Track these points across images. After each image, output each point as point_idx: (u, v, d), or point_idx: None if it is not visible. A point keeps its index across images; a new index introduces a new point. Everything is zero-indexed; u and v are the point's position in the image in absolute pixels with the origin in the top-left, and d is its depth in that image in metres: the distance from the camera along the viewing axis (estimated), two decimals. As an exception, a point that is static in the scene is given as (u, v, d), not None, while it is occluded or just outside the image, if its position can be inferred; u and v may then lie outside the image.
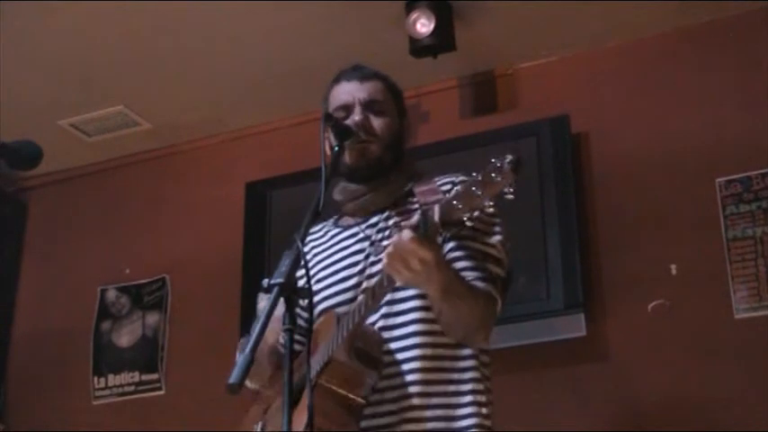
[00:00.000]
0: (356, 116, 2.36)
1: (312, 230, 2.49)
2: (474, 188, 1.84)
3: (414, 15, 3.88)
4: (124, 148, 4.95)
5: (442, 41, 3.91)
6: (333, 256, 2.39)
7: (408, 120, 2.51)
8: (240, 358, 1.75)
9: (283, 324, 1.85)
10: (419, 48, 3.94)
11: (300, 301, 2.02)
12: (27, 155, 2.27)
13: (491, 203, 1.84)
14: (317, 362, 2.16)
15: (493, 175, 1.80)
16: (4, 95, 4.26)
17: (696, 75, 4.00)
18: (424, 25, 3.87)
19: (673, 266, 3.78)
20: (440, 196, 2.20)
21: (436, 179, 2.35)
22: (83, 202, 5.10)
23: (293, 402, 2.10)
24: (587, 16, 4.00)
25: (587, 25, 4.08)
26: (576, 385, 3.77)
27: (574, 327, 3.79)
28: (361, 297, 2.19)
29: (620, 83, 4.14)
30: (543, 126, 4.05)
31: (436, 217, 1.92)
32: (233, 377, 1.73)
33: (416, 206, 2.28)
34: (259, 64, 4.29)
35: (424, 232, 1.95)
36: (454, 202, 1.89)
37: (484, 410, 2.23)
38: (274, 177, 4.52)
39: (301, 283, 2.00)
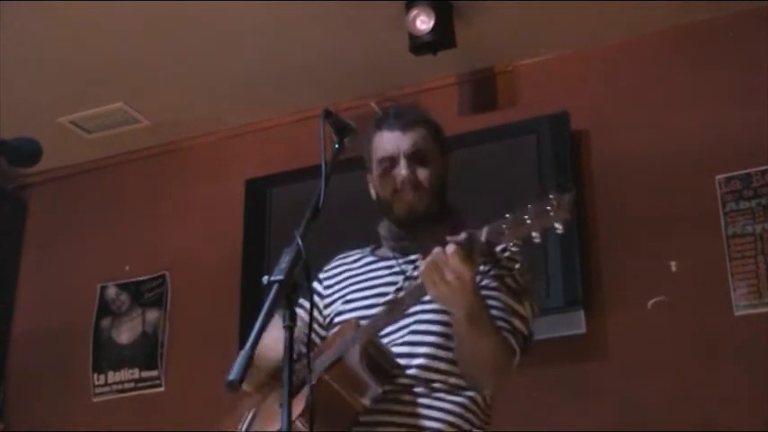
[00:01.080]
0: (402, 170, 2.36)
1: (346, 255, 2.54)
2: (525, 216, 1.86)
3: (413, 12, 3.88)
4: (124, 145, 4.95)
5: (441, 38, 3.91)
6: (365, 282, 2.41)
7: (450, 157, 2.50)
8: (240, 355, 1.75)
9: (283, 322, 1.85)
10: (419, 45, 3.94)
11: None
12: (26, 152, 2.26)
13: (539, 235, 1.87)
14: (328, 357, 2.18)
15: (548, 208, 1.84)
16: (3, 93, 4.26)
17: (696, 72, 4.00)
18: (423, 22, 3.87)
19: (672, 263, 3.78)
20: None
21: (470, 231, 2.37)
22: (82, 200, 5.09)
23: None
24: (587, 14, 4.00)
25: (587, 23, 4.08)
26: (576, 382, 3.78)
27: (574, 324, 3.79)
28: (388, 300, 2.21)
29: (620, 80, 4.14)
30: (543, 123, 4.05)
31: (483, 237, 1.95)
32: (232, 374, 1.73)
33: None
34: (258, 61, 4.29)
35: (469, 250, 1.96)
36: (503, 226, 1.91)
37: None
38: (274, 174, 4.52)
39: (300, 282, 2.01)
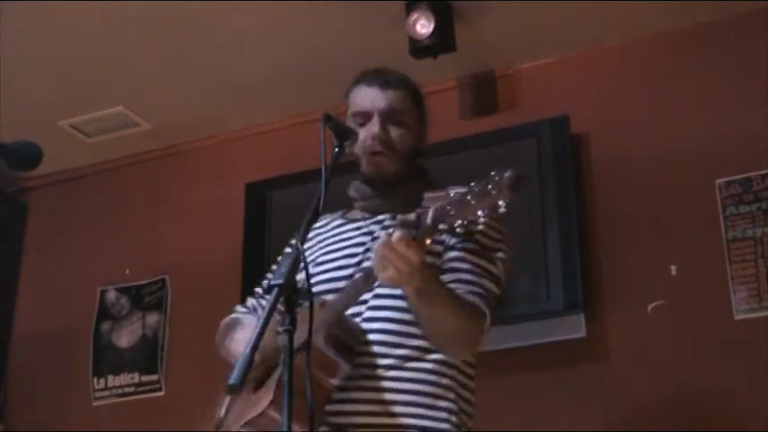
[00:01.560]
0: (374, 127, 2.35)
1: (318, 224, 2.51)
2: (469, 197, 1.85)
3: (414, 16, 3.88)
4: (124, 149, 4.95)
5: (441, 42, 3.91)
6: (334, 244, 2.41)
7: (429, 121, 2.50)
8: (240, 358, 1.75)
9: (283, 324, 1.85)
10: (419, 48, 3.94)
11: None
12: (27, 155, 2.27)
13: (484, 215, 1.85)
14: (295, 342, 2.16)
15: (490, 186, 1.82)
16: (4, 96, 4.26)
17: (696, 75, 4.00)
18: (423, 26, 3.87)
19: (673, 267, 3.78)
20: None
21: (449, 189, 2.35)
22: (83, 203, 5.10)
23: (261, 381, 2.16)
24: (587, 16, 4.00)
25: (587, 25, 4.08)
26: (576, 386, 3.77)
27: (574, 327, 3.78)
28: (346, 284, 2.20)
29: (621, 83, 4.14)
30: (543, 126, 4.05)
31: (428, 220, 1.94)
32: (233, 378, 1.73)
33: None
34: (259, 64, 4.29)
35: (416, 234, 1.96)
36: (448, 208, 1.90)
37: (453, 419, 2.25)
38: (274, 178, 4.52)
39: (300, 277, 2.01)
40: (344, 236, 2.41)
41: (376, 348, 2.22)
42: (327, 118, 2.30)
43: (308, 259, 2.39)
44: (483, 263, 2.26)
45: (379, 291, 2.26)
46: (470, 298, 2.20)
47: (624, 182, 3.99)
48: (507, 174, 1.81)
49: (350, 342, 2.20)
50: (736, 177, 3.79)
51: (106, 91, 4.46)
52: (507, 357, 3.75)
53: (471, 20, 4.00)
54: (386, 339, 2.23)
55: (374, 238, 2.31)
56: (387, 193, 2.38)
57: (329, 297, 2.26)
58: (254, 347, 1.77)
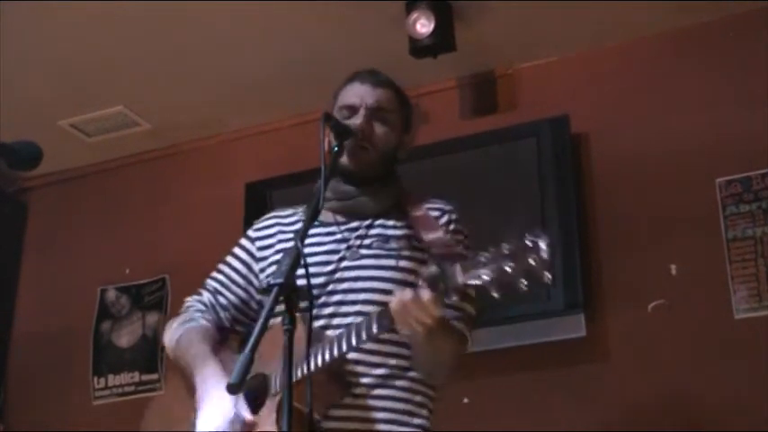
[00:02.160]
0: (359, 119, 2.35)
1: (282, 212, 2.51)
2: (505, 266, 1.83)
3: (414, 15, 3.88)
4: (124, 149, 4.95)
5: (441, 42, 3.91)
6: (306, 248, 2.34)
7: (412, 135, 2.50)
8: (240, 358, 1.75)
9: (283, 324, 1.85)
10: (419, 48, 3.94)
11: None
12: (27, 155, 2.27)
13: (525, 283, 1.83)
14: (278, 376, 2.15)
15: (527, 254, 1.80)
16: (4, 95, 4.26)
17: (696, 75, 4.00)
18: (423, 25, 3.87)
19: (673, 267, 3.78)
20: (440, 233, 2.25)
21: (425, 204, 2.37)
22: (83, 203, 5.10)
23: (257, 404, 2.15)
24: (587, 16, 4.00)
25: (587, 25, 4.08)
26: (576, 385, 3.77)
27: (574, 327, 3.78)
28: (359, 322, 2.16)
29: (620, 83, 4.14)
30: (543, 126, 4.05)
31: (459, 279, 1.93)
32: (232, 377, 1.73)
33: (399, 224, 2.32)
34: (259, 64, 4.29)
35: (444, 290, 1.96)
36: (481, 271, 1.88)
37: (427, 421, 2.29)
38: (274, 178, 4.52)
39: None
40: (315, 240, 2.33)
41: (357, 368, 2.22)
42: (327, 117, 2.31)
43: (274, 260, 2.39)
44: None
45: (360, 309, 2.25)
46: (456, 325, 2.24)
47: (624, 182, 3.99)
48: (546, 242, 1.79)
49: (345, 372, 2.20)
50: (737, 177, 3.79)
51: (106, 91, 4.46)
52: (507, 357, 3.75)
53: (471, 20, 4.00)
54: (366, 359, 2.23)
55: (350, 247, 2.31)
56: (363, 193, 2.36)
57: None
58: (254, 347, 1.77)
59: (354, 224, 2.36)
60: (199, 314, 2.52)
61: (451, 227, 2.34)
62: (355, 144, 2.32)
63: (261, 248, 2.48)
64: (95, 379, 4.72)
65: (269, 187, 4.51)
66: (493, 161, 4.09)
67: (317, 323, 2.21)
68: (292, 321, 1.85)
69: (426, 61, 4.00)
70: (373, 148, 2.35)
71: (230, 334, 2.48)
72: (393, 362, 2.25)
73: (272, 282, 1.89)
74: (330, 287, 2.27)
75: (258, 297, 2.42)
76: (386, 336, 2.19)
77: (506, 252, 1.83)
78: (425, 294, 1.96)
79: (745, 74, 3.89)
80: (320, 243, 2.34)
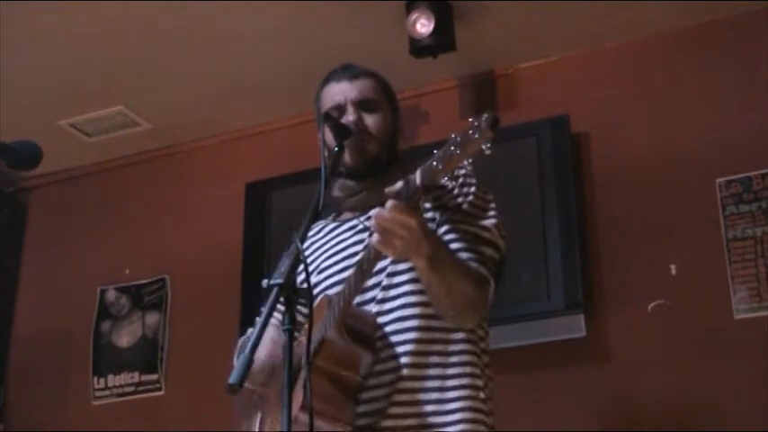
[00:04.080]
0: (350, 116, 2.36)
1: (311, 232, 2.49)
2: (453, 148, 1.85)
3: (414, 15, 3.88)
4: (124, 149, 4.95)
5: (441, 42, 3.91)
6: (333, 248, 2.40)
7: (401, 115, 2.51)
8: (240, 358, 1.75)
9: (283, 324, 1.85)
10: (419, 48, 3.94)
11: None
12: (27, 155, 2.27)
13: (470, 161, 1.86)
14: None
15: (470, 132, 1.82)
16: (4, 95, 4.27)
17: (696, 75, 4.01)
18: (423, 25, 3.87)
19: (672, 267, 3.78)
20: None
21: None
22: (83, 203, 5.10)
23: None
24: (587, 16, 4.00)
25: (587, 25, 4.08)
26: (576, 385, 3.77)
27: (573, 327, 3.79)
28: (349, 274, 2.18)
29: (620, 83, 4.14)
30: (543, 126, 4.05)
31: (417, 180, 1.92)
32: (233, 377, 1.73)
33: None
34: (259, 64, 4.29)
35: (407, 198, 1.95)
36: (434, 163, 1.89)
37: (481, 395, 2.23)
38: (274, 177, 4.52)
39: (301, 280, 2.00)
40: (340, 237, 2.39)
41: (393, 337, 2.20)
42: (327, 117, 2.31)
43: (312, 268, 2.39)
44: (476, 230, 2.25)
45: (389, 269, 2.24)
46: (472, 265, 2.19)
47: (624, 181, 3.99)
48: (485, 117, 1.81)
49: (365, 330, 2.18)
50: (737, 177, 3.79)
51: (106, 91, 4.47)
52: (507, 356, 3.75)
53: (471, 19, 4.00)
54: (400, 320, 2.22)
55: (371, 234, 2.28)
56: (372, 185, 2.36)
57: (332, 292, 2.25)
58: (254, 347, 1.77)
59: (373, 211, 2.33)
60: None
61: (460, 180, 2.31)
62: (356, 141, 2.32)
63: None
64: (95, 379, 4.72)
65: (269, 187, 4.51)
66: (493, 161, 4.08)
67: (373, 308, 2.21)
68: (293, 321, 1.85)
69: (426, 61, 4.00)
70: (372, 139, 2.36)
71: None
72: (434, 324, 2.22)
73: (271, 282, 1.89)
74: None
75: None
76: (417, 298, 2.20)
77: (456, 139, 1.85)
78: (389, 204, 1.95)
79: (745, 74, 3.90)
80: (346, 239, 2.37)
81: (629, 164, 4.00)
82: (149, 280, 4.78)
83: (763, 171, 3.76)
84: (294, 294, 1.89)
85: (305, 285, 1.93)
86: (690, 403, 3.59)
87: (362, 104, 2.39)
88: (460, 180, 2.31)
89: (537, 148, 4.01)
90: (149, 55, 4.21)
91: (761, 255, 3.67)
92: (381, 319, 2.22)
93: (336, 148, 2.28)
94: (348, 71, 2.45)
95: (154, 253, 4.81)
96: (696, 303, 3.70)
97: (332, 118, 2.32)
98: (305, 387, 1.88)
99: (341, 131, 2.29)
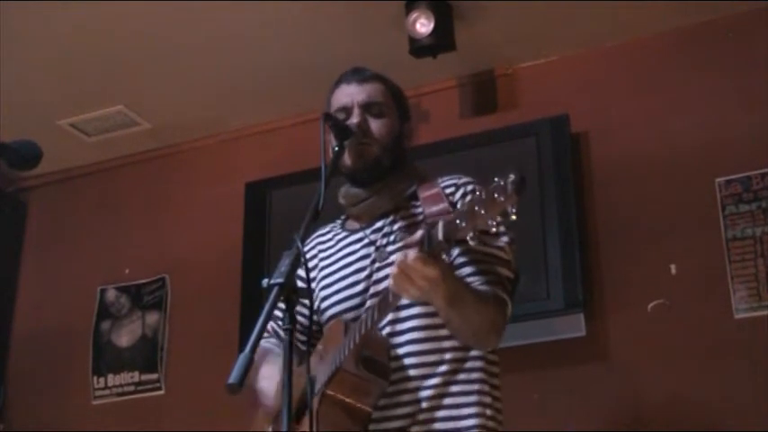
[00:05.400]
0: (354, 118, 2.36)
1: (321, 231, 2.53)
2: (477, 207, 1.82)
3: (413, 15, 3.88)
4: (124, 148, 4.95)
5: (441, 41, 3.91)
6: (340, 261, 2.41)
7: (411, 122, 2.51)
8: (240, 358, 1.75)
9: (283, 324, 1.85)
10: (419, 48, 3.94)
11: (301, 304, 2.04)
12: (27, 155, 2.27)
13: (494, 223, 1.82)
14: (324, 372, 2.17)
15: (496, 195, 1.78)
16: (4, 95, 4.26)
17: (696, 75, 4.01)
18: (423, 25, 3.87)
19: (672, 266, 3.78)
20: (444, 204, 2.24)
21: (439, 180, 2.37)
22: (82, 202, 5.10)
23: (301, 412, 2.15)
24: (587, 16, 4.00)
25: (587, 25, 4.08)
26: (576, 385, 3.78)
27: (573, 327, 3.79)
28: (368, 306, 2.20)
29: (620, 83, 4.14)
30: (543, 126, 4.05)
31: (440, 236, 1.91)
32: (232, 377, 1.73)
33: (420, 211, 2.31)
34: (259, 63, 4.29)
35: (429, 250, 1.94)
36: (458, 221, 1.87)
37: (488, 411, 2.24)
38: (274, 177, 4.52)
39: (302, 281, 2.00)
40: (348, 250, 2.40)
41: (407, 360, 2.23)
42: (327, 117, 2.31)
43: (318, 277, 2.42)
44: (492, 251, 2.26)
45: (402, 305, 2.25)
46: (488, 288, 2.21)
47: (624, 181, 3.99)
48: (511, 178, 1.76)
49: (383, 360, 2.21)
50: (736, 176, 3.79)
51: (106, 90, 4.46)
52: (507, 356, 3.70)
53: (471, 19, 4.00)
54: (415, 350, 2.24)
55: (378, 248, 2.32)
56: (375, 193, 2.37)
57: (348, 316, 2.28)
58: (254, 347, 1.77)
59: (379, 224, 2.37)
60: (268, 345, 2.52)
61: (468, 198, 2.30)
62: (357, 143, 2.32)
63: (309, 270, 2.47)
64: (95, 378, 4.72)
65: (269, 187, 4.51)
66: (493, 161, 4.09)
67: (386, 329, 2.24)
68: (293, 321, 1.86)
69: (426, 61, 4.00)
70: (374, 143, 2.36)
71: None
72: (446, 345, 2.24)
73: (272, 281, 1.89)
74: (371, 291, 2.30)
75: (315, 318, 2.42)
76: (428, 321, 2.22)
77: (478, 198, 1.82)
78: (410, 255, 1.95)
79: (745, 74, 3.90)
80: (353, 252, 2.38)
81: (629, 163, 4.00)
82: (149, 279, 4.78)
83: (762, 171, 3.76)
84: (294, 294, 1.89)
85: (305, 285, 1.94)
86: (690, 403, 3.59)
87: (368, 108, 2.39)
88: (469, 197, 2.30)
89: (537, 147, 4.01)
90: (149, 55, 4.21)
91: (760, 254, 3.67)
92: (394, 341, 2.24)
93: (336, 148, 2.29)
94: (358, 74, 2.45)
95: (154, 252, 4.81)
96: (696, 303, 3.70)
97: (332, 117, 2.33)
98: (309, 406, 1.90)
99: (341, 131, 2.30)
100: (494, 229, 1.80)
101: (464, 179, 2.36)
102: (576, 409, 3.73)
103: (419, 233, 1.97)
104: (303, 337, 2.42)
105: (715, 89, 3.95)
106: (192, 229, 4.77)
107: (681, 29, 4.06)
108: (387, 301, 2.10)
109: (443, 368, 2.23)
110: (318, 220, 2.13)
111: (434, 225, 1.93)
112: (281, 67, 4.29)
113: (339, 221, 2.52)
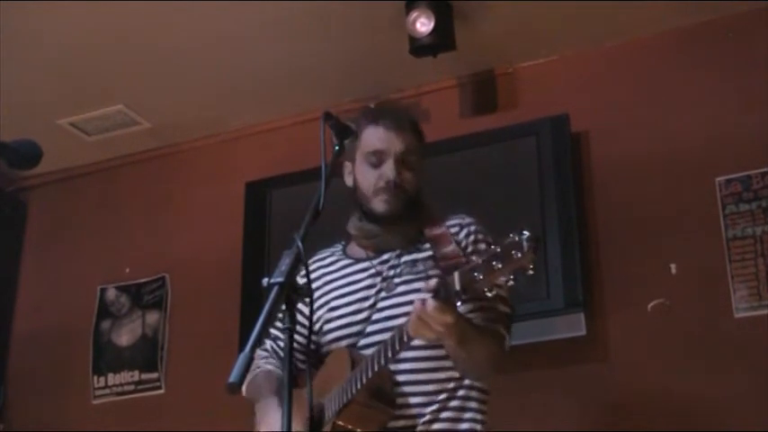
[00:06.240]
0: (390, 171, 2.43)
1: (321, 255, 2.62)
2: (494, 262, 1.90)
3: (413, 14, 3.88)
4: (124, 148, 4.95)
5: (441, 41, 3.91)
6: (345, 287, 2.50)
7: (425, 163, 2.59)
8: (239, 357, 1.75)
9: (283, 323, 1.86)
10: (419, 47, 3.94)
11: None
12: (27, 154, 2.27)
13: (512, 279, 1.91)
14: (331, 401, 2.28)
15: (513, 252, 1.86)
16: (4, 95, 4.26)
17: (696, 74, 4.01)
18: (423, 24, 3.87)
19: (672, 266, 3.78)
20: (453, 246, 2.36)
21: (446, 222, 2.48)
22: (82, 202, 5.10)
23: None
24: (587, 16, 4.00)
25: (587, 25, 4.08)
26: (576, 385, 3.78)
27: (574, 326, 3.79)
28: (380, 341, 2.27)
29: (620, 82, 4.14)
30: (543, 125, 4.05)
31: (457, 286, 2.00)
32: (232, 376, 1.73)
33: (426, 246, 2.43)
34: (259, 63, 4.29)
35: (444, 299, 2.04)
36: (474, 274, 1.96)
37: (478, 427, 2.40)
38: (274, 177, 4.52)
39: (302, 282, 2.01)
40: (353, 278, 2.49)
41: (407, 388, 2.34)
42: (327, 116, 2.31)
43: (322, 302, 2.51)
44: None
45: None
46: (489, 325, 2.34)
47: (624, 180, 3.99)
48: (526, 237, 1.86)
49: (388, 389, 2.30)
50: (736, 176, 3.79)
51: (106, 89, 4.46)
52: (507, 355, 3.75)
53: (471, 18, 4.00)
54: (411, 372, 2.36)
55: (384, 279, 2.42)
56: (388, 230, 2.47)
57: (347, 341, 2.40)
58: (254, 346, 1.78)
59: (385, 256, 2.48)
60: (263, 361, 2.61)
61: (471, 238, 2.44)
62: (391, 195, 2.42)
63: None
64: (95, 378, 4.72)
65: (269, 187, 4.51)
66: (493, 160, 4.09)
67: (367, 352, 2.32)
68: (293, 320, 1.87)
69: (426, 60, 4.00)
70: (405, 195, 2.45)
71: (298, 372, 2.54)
72: (442, 376, 2.37)
73: (271, 281, 1.89)
74: (374, 318, 2.40)
75: (314, 338, 2.52)
76: (430, 352, 2.34)
77: (495, 252, 1.90)
78: (430, 304, 2.04)
79: (745, 74, 3.89)
80: (357, 280, 2.48)
81: (628, 163, 4.00)
82: (149, 279, 4.78)
83: (762, 170, 3.76)
84: (294, 294, 1.89)
85: (305, 285, 1.96)
86: (690, 402, 3.59)
87: (404, 159, 2.46)
88: (472, 237, 2.44)
89: (537, 147, 4.01)
90: (149, 55, 4.21)
91: (761, 254, 3.67)
92: (395, 367, 2.34)
93: (336, 148, 2.29)
94: (397, 120, 2.51)
95: (154, 252, 4.81)
96: (696, 302, 3.70)
97: (332, 117, 2.33)
98: (309, 407, 1.97)
99: (341, 131, 2.30)
100: (510, 284, 1.90)
101: (467, 219, 2.49)
102: (576, 408, 3.73)
103: (433, 281, 2.07)
104: (302, 356, 2.50)
105: (715, 89, 3.94)
106: (191, 229, 4.77)
107: (681, 29, 4.06)
108: (402, 341, 2.18)
109: (442, 396, 2.35)
110: (318, 219, 2.13)
111: (450, 272, 2.03)
112: (281, 67, 4.29)
113: (340, 247, 2.62)
